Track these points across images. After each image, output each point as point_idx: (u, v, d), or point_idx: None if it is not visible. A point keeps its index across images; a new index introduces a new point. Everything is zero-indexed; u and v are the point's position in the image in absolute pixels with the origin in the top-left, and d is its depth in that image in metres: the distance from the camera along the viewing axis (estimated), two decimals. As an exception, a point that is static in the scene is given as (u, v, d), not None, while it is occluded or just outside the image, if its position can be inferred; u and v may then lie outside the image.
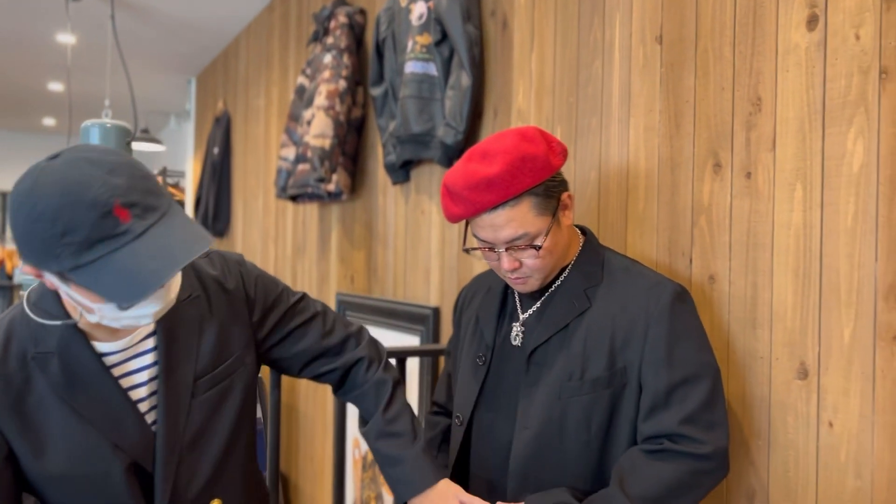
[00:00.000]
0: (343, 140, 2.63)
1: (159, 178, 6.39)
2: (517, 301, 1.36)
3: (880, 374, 1.09)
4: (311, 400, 3.25)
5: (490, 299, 1.40)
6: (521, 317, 1.34)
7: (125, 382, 1.08)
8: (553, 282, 1.32)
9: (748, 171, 1.29)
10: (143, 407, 1.10)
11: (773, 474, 1.25)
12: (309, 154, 2.58)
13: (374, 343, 1.39)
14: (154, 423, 1.10)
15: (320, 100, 2.58)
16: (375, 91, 2.44)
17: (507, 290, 1.39)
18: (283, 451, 3.55)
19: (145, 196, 0.94)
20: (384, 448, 1.28)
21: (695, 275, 1.39)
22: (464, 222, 1.27)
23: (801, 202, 1.20)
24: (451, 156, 2.05)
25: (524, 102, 1.89)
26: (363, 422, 1.34)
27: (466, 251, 1.29)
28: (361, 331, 1.39)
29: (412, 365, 2.29)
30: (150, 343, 1.11)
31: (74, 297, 0.96)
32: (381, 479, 2.59)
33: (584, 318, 1.26)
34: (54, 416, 1.04)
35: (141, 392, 1.10)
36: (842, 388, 1.14)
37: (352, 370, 1.35)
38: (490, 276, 1.45)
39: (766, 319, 1.26)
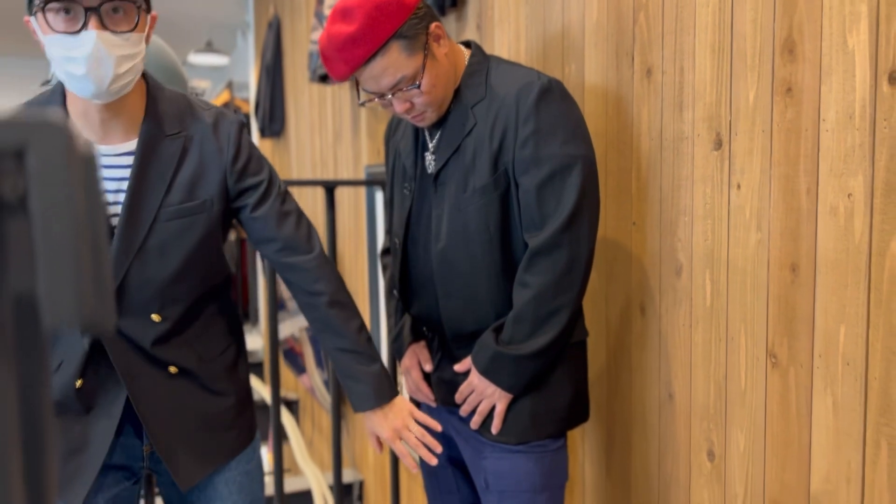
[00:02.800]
0: (358, 10, 2.72)
1: (227, 92, 6.63)
2: (426, 131, 1.45)
3: (776, 128, 1.14)
4: (350, 268, 3.46)
5: (407, 133, 1.49)
6: (430, 145, 1.44)
7: None
8: (449, 107, 1.40)
9: (676, -42, 1.33)
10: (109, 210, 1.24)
11: (695, 246, 1.32)
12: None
13: (325, 256, 1.38)
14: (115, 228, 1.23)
15: (333, -29, 2.67)
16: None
17: None
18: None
19: None
20: (346, 361, 1.35)
21: (636, 72, 1.45)
22: (355, 81, 1.35)
23: (716, -23, 1.24)
24: (440, 4, 2.12)
25: (503, -60, 1.93)
26: (313, 315, 1.36)
27: (362, 104, 1.38)
28: (313, 238, 1.38)
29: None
30: (128, 160, 1.24)
31: (41, 41, 1.14)
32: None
33: (472, 135, 1.35)
34: None
35: (108, 197, 1.23)
36: (747, 148, 1.20)
37: (299, 273, 1.35)
38: None
39: (690, 100, 1.31)
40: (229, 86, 6.54)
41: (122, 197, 1.23)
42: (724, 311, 1.27)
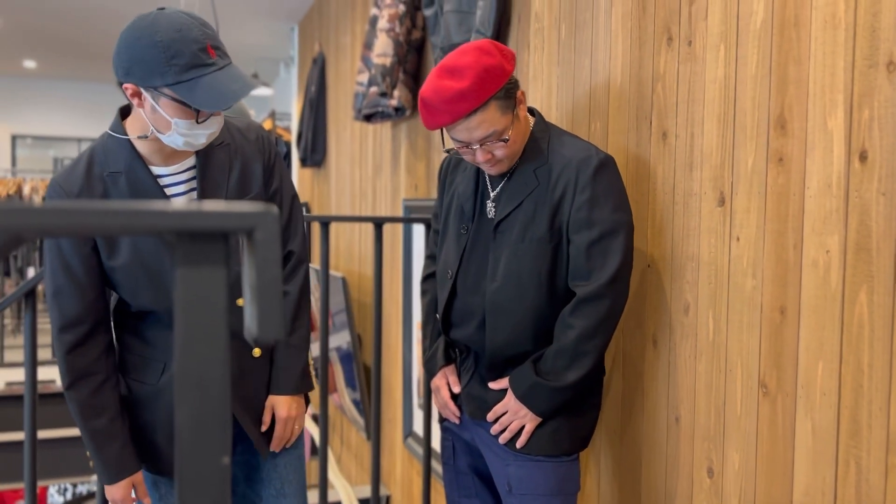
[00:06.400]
0: (403, 59, 2.97)
1: (269, 121, 6.94)
2: (487, 180, 1.68)
3: (770, 191, 1.34)
4: (386, 296, 3.67)
5: (467, 179, 1.72)
6: (491, 194, 1.66)
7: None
8: (514, 165, 1.62)
9: (689, 39, 1.54)
10: None
11: (700, 288, 1.52)
12: (373, 72, 2.95)
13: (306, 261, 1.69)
14: None
15: (382, 23, 2.93)
16: (428, 11, 2.76)
17: (479, 170, 1.70)
18: (365, 343, 4.02)
19: (223, 46, 1.40)
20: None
21: (653, 134, 1.66)
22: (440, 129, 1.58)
23: (723, 60, 1.45)
24: (481, 59, 2.35)
25: (539, 7, 2.16)
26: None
27: (447, 151, 1.61)
28: (303, 240, 1.69)
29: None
30: (191, 174, 1.52)
31: (160, 112, 1.37)
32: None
33: (533, 194, 1.58)
34: None
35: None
36: (745, 207, 1.40)
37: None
38: None
39: (698, 162, 1.52)
40: (272, 115, 6.85)
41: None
42: (724, 346, 1.46)
